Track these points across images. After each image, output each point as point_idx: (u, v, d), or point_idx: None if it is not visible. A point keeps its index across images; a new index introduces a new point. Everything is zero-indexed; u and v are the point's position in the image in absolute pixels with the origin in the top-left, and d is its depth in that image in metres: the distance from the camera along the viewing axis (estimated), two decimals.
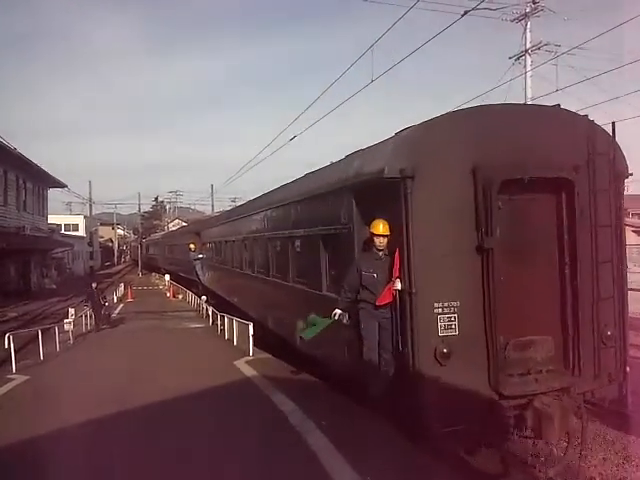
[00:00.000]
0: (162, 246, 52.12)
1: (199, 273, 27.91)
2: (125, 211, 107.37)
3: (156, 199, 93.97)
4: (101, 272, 64.66)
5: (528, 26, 28.17)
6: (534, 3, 23.23)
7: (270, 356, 12.94)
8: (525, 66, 27.76)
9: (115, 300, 31.53)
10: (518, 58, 28.40)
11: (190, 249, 28.30)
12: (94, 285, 20.90)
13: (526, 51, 28.11)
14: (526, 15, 27.87)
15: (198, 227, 30.45)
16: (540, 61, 26.12)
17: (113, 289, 36.50)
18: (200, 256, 26.72)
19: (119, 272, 67.37)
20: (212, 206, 67.16)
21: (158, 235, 66.51)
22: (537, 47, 27.87)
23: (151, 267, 60.52)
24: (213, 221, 26.46)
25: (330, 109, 16.77)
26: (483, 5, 12.53)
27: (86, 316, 19.93)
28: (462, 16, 10.67)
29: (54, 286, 41.43)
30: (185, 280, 34.09)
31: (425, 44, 11.47)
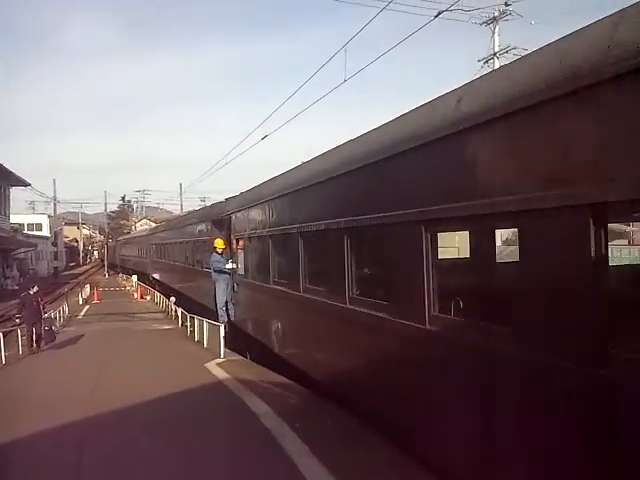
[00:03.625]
0: (149, 246, 36.44)
1: (220, 301, 14.79)
2: (91, 210, 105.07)
3: (123, 198, 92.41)
4: (66, 273, 63.16)
5: (496, 30, 28.79)
6: (506, 5, 23.58)
7: (242, 358, 12.79)
8: (493, 69, 28.24)
9: (80, 302, 30.82)
10: (487, 61, 28.96)
11: (216, 250, 14.73)
12: (33, 290, 15.47)
13: (494, 54, 28.65)
14: (494, 19, 28.44)
15: (224, 208, 15.60)
16: None
17: (78, 290, 35.67)
18: (230, 266, 14.19)
19: (84, 273, 65.96)
20: (181, 205, 66.34)
21: (142, 230, 52.71)
22: (505, 50, 28.47)
23: (137, 276, 40.84)
24: (265, 190, 11.16)
25: (302, 108, 16.57)
26: (455, 7, 12.62)
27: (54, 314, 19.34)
28: (436, 17, 10.73)
29: (16, 287, 40.25)
30: (197, 305, 18.81)
31: (397, 45, 11.45)
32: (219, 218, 15.90)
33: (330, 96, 14.75)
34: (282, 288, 9.52)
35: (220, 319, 14.64)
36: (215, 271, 14.78)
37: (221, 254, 14.78)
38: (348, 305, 6.65)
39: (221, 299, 14.83)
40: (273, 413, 7.36)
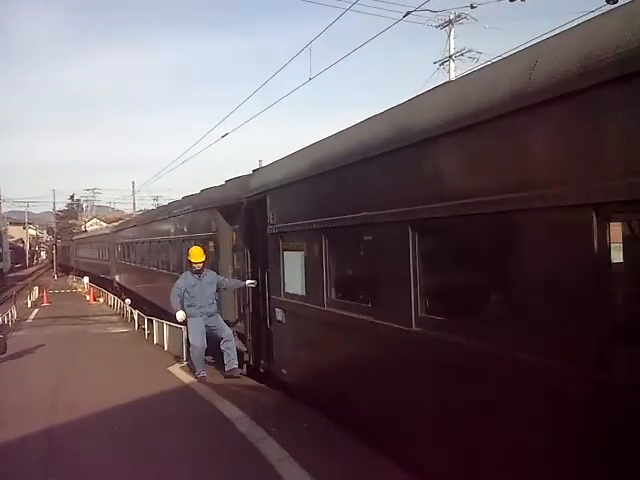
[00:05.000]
0: (114, 246, 30.23)
1: (197, 346, 10.11)
2: (38, 210, 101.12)
3: (72, 197, 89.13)
4: (12, 275, 60.61)
5: (452, 33, 29.31)
6: (472, 8, 24.01)
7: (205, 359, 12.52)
8: (449, 71, 28.77)
9: (29, 305, 29.67)
10: (442, 63, 29.44)
11: (191, 265, 10.20)
12: None
13: (450, 57, 29.15)
14: (450, 22, 28.93)
15: (249, 185, 9.78)
16: (464, 67, 27.14)
17: (26, 293, 34.29)
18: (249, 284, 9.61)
19: (32, 274, 63.57)
20: (133, 205, 64.44)
21: (103, 228, 45.19)
22: (460, 53, 29.04)
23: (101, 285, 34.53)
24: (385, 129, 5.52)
25: (265, 107, 16.38)
26: (422, 8, 12.76)
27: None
28: (404, 16, 10.83)
29: None
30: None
31: (362, 46, 11.45)
32: (235, 203, 10.12)
33: (298, 98, 14.68)
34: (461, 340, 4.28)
35: (198, 373, 9.93)
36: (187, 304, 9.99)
37: (199, 272, 10.00)
38: None
39: (198, 344, 9.99)
40: (247, 417, 7.19)
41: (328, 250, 6.60)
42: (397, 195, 5.11)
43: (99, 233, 42.38)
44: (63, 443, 6.77)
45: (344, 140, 6.49)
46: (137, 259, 23.51)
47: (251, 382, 9.45)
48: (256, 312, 9.54)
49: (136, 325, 19.86)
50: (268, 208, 8.43)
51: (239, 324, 10.60)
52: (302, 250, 7.35)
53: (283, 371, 8.27)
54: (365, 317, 5.61)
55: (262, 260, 9.12)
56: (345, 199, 6.11)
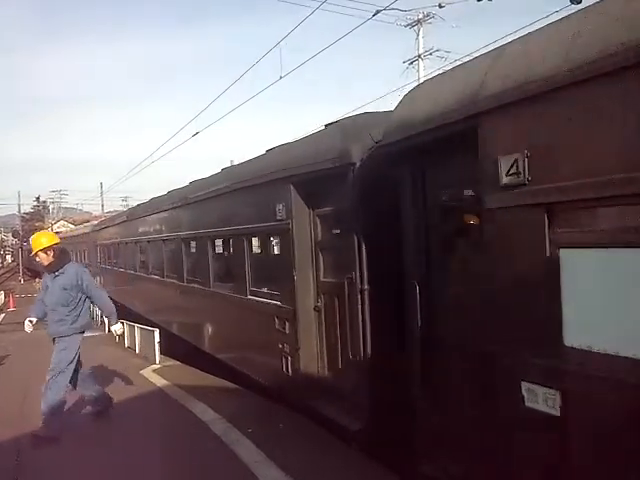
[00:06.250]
0: (96, 248, 24.86)
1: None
2: (2, 212, 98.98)
3: (38, 199, 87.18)
4: None
5: (420, 32, 29.62)
6: (440, 7, 24.26)
7: (178, 363, 12.41)
8: (418, 70, 29.08)
9: None
10: (412, 62, 29.75)
11: (47, 262, 7.03)
12: None
13: (419, 56, 29.47)
14: (419, 21, 29.24)
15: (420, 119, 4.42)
16: (433, 66, 27.43)
17: None
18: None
19: None
20: (102, 206, 63.48)
21: (81, 227, 36.96)
22: (429, 52, 29.41)
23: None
24: None
25: (238, 105, 16.16)
26: (386, 8, 12.83)
27: None
28: (374, 15, 10.90)
29: None
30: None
31: (332, 45, 11.46)
32: (333, 166, 5.84)
33: (269, 95, 14.63)
34: None
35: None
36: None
37: (52, 270, 6.98)
38: None
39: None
40: (222, 419, 7.14)
41: None
42: None
43: (77, 233, 35.33)
44: (33, 453, 6.58)
45: None
46: (128, 264, 18.02)
47: (226, 384, 9.35)
48: (387, 362, 5.20)
49: (106, 328, 19.50)
50: (487, 152, 3.72)
51: (331, 380, 6.44)
52: None
53: None
54: None
55: (444, 269, 4.76)
56: None
